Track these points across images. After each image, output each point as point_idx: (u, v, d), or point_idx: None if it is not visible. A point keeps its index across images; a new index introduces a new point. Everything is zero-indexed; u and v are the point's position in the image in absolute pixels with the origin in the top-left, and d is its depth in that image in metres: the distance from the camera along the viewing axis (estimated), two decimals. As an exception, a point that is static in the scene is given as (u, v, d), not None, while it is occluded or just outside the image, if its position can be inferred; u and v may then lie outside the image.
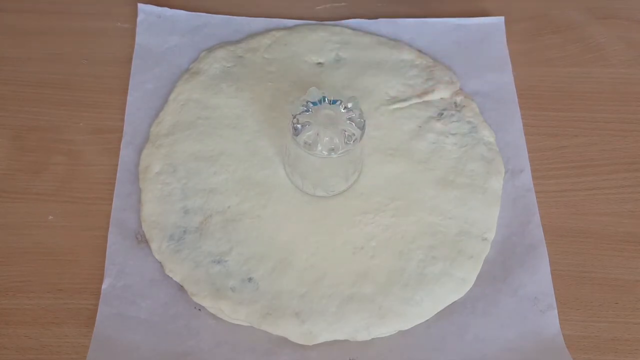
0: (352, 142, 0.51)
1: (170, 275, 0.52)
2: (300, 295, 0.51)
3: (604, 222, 0.57)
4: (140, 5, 0.66)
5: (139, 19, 0.66)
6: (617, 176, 0.59)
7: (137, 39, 0.65)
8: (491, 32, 0.67)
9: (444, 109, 0.61)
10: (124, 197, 0.56)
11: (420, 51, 0.65)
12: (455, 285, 0.52)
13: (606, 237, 0.56)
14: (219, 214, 0.55)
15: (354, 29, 0.67)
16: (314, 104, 0.52)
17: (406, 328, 0.51)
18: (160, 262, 0.53)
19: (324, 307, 0.51)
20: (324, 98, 0.53)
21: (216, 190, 0.56)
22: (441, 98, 0.62)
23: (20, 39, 0.66)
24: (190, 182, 0.56)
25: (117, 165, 0.58)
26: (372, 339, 0.51)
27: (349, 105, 0.52)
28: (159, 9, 0.67)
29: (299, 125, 0.52)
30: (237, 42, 0.65)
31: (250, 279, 0.52)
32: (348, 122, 0.52)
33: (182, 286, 0.52)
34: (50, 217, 0.55)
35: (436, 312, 0.52)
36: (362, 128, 0.52)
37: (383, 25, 0.67)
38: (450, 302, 0.52)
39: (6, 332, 0.50)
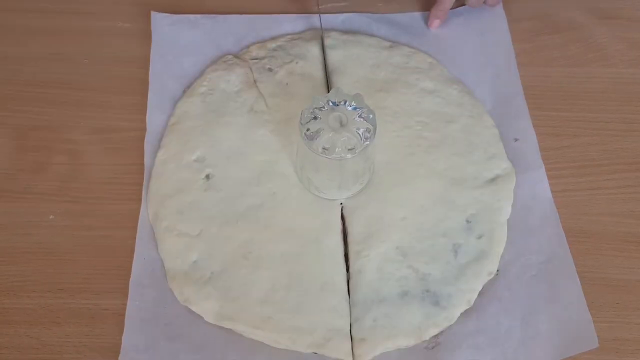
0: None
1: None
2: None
3: (604, 222, 0.56)
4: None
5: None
6: (617, 176, 0.59)
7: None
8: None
9: None
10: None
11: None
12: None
13: (606, 237, 0.56)
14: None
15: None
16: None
17: None
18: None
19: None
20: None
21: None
22: None
23: (22, 38, 0.66)
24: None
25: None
26: None
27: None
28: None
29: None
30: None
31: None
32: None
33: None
34: (51, 217, 0.55)
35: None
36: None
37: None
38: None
39: (7, 331, 0.50)
